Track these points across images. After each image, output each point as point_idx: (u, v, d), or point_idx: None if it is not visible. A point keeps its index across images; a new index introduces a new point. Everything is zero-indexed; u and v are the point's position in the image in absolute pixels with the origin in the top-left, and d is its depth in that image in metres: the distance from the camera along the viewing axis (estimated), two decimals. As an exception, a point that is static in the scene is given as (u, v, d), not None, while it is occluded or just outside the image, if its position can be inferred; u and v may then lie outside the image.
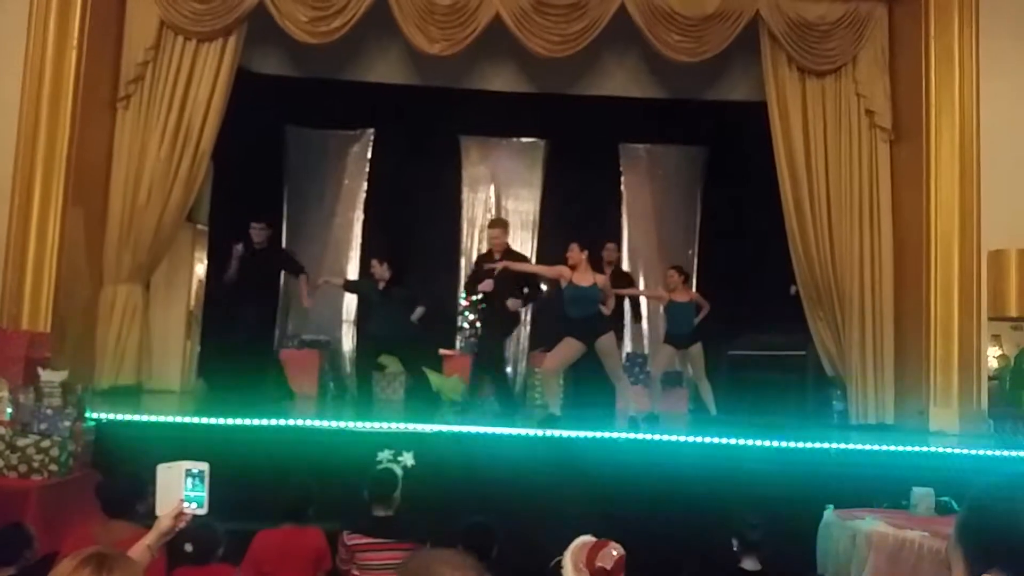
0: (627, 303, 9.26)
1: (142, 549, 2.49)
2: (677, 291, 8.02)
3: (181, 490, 2.57)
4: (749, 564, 4.11)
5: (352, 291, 9.38)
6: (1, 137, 7.02)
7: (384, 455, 4.99)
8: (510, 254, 7.84)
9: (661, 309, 8.66)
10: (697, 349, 7.96)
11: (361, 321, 9.75)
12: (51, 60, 7.13)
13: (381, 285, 8.20)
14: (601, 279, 7.00)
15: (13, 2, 7.14)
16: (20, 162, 7.04)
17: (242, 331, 7.99)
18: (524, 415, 7.73)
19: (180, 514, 2.58)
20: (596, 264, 7.51)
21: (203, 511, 2.60)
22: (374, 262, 8.35)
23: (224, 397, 7.65)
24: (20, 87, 7.08)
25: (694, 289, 8.73)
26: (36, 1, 7.12)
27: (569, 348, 6.93)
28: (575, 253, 6.89)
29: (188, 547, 3.72)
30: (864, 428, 7.61)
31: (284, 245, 10.32)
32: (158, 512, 2.60)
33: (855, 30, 8.03)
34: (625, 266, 10.19)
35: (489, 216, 10.55)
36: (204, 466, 2.60)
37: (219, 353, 8.32)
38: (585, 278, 6.85)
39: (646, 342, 10.12)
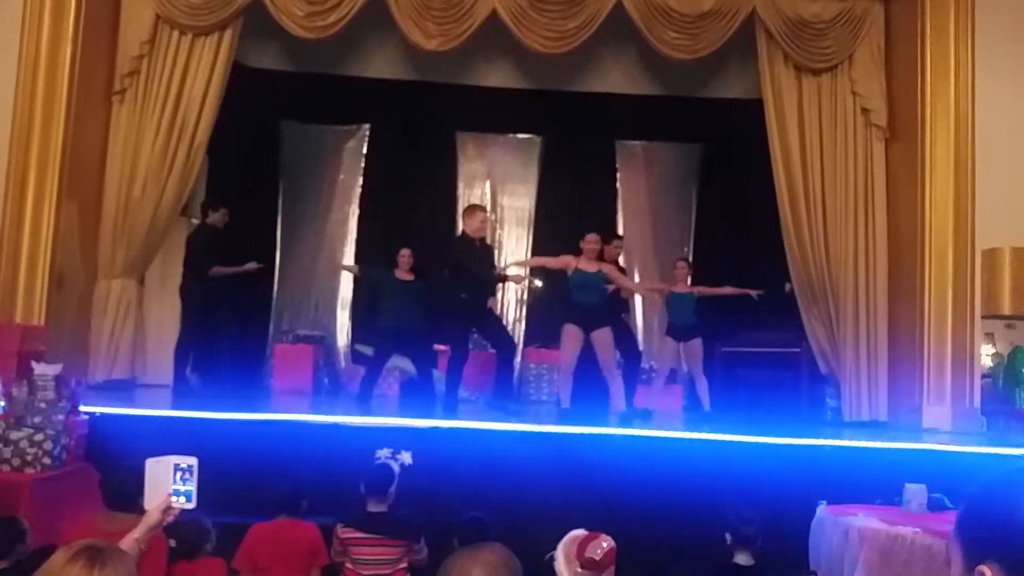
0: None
1: (130, 542, 2.48)
2: (679, 283, 8.14)
3: (169, 484, 2.57)
4: (742, 559, 4.13)
5: (369, 278, 8.80)
6: (-4, 130, 7.00)
7: (382, 453, 4.97)
8: None
9: (662, 302, 8.68)
10: (697, 343, 8.01)
11: (368, 312, 8.99)
12: (46, 53, 7.10)
13: (403, 275, 7.95)
14: (607, 267, 7.32)
15: (8, -5, 7.12)
16: (14, 155, 7.01)
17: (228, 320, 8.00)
18: (522, 410, 7.71)
19: (168, 508, 2.58)
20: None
21: (191, 505, 2.60)
22: (403, 251, 8.01)
23: (217, 391, 7.64)
24: (15, 80, 7.05)
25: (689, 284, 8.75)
26: (31, -6, 7.11)
27: (570, 335, 7.07)
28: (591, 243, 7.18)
29: (171, 542, 3.69)
30: (857, 425, 7.62)
31: (279, 240, 10.31)
32: (146, 506, 2.60)
33: (851, 28, 8.03)
34: (621, 262, 10.17)
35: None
36: (193, 460, 2.60)
37: (211, 347, 8.28)
38: (591, 265, 7.14)
39: (640, 337, 10.13)
